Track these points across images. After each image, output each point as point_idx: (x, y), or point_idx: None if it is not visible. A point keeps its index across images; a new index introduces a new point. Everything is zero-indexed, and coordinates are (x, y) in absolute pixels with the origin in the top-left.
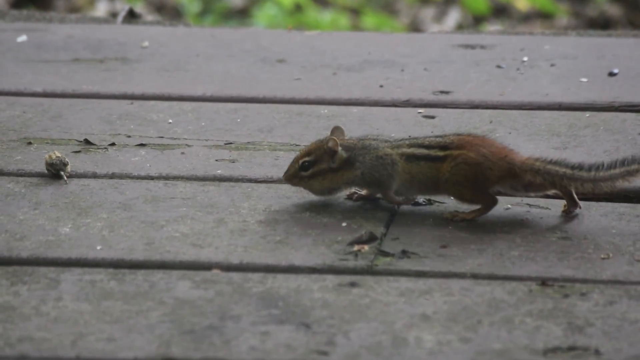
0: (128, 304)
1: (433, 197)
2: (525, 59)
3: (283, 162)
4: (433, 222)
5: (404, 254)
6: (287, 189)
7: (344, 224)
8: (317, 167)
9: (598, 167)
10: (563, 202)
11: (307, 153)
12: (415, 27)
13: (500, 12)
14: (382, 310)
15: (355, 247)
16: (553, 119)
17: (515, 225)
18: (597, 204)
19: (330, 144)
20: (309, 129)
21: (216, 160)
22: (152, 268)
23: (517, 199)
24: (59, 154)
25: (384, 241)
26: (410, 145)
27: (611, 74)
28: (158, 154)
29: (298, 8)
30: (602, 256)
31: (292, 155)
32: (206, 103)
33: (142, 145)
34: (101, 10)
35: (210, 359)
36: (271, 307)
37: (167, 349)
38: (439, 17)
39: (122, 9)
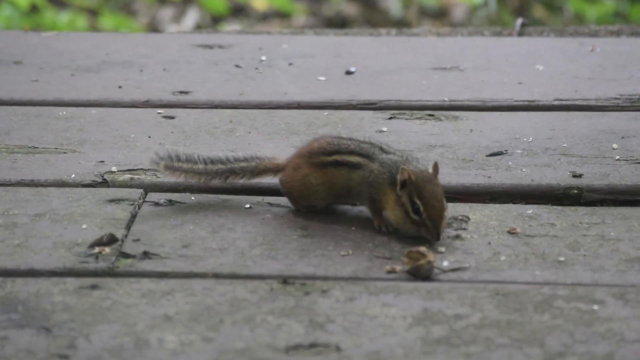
0: None
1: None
2: (264, 58)
3: (21, 164)
4: (174, 222)
5: (145, 255)
6: (27, 192)
7: (84, 226)
8: None
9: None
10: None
11: None
12: (154, 28)
13: (239, 12)
14: (123, 312)
15: (96, 250)
16: (292, 118)
17: (256, 224)
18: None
19: None
20: (48, 130)
21: None
22: None
23: (259, 198)
24: None
25: (125, 243)
26: None
27: (348, 72)
28: None
29: (34, 9)
30: (343, 253)
31: (30, 158)
32: None
33: None
34: None
35: None
36: (10, 312)
37: None
38: (178, 17)
39: None
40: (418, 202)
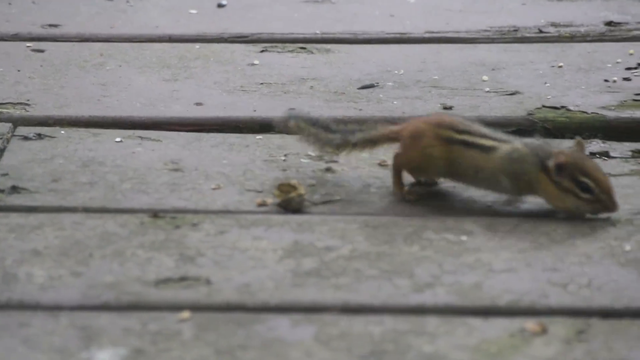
0: None
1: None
2: None
3: None
4: (43, 156)
5: (14, 189)
6: None
7: None
8: None
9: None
10: (174, 134)
11: None
12: None
13: None
14: None
15: None
16: (163, 51)
17: (126, 158)
18: (208, 134)
19: None
20: None
21: None
22: None
23: (129, 132)
24: None
25: None
26: None
27: (220, 6)
28: None
29: None
30: (213, 187)
31: None
32: None
33: None
34: None
35: None
36: None
37: None
38: None
39: None
40: (586, 180)
